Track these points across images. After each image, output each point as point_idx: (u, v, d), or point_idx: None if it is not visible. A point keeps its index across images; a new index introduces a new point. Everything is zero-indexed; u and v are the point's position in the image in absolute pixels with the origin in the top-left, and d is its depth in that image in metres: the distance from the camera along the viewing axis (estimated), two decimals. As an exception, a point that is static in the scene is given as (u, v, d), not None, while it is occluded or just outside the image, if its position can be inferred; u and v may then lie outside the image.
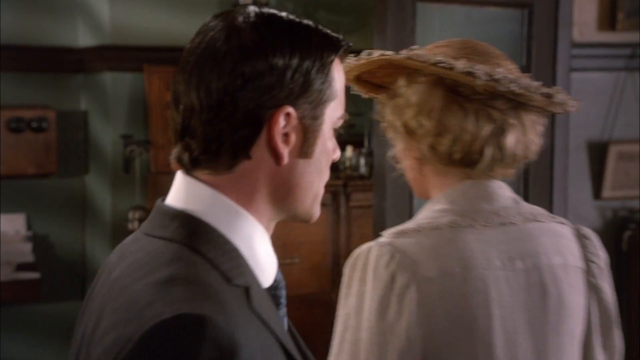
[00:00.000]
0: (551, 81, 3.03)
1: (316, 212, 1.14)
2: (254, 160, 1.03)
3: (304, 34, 1.05)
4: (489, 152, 1.43)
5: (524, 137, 1.46)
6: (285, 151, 1.03)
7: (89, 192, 3.97)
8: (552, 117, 3.10)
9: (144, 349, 0.88)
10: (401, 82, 1.50)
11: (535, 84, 1.47)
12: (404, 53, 1.50)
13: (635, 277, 3.84)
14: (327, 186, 3.67)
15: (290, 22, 1.06)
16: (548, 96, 1.48)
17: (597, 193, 3.88)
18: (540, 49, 2.98)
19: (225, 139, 1.01)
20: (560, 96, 1.50)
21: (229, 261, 1.00)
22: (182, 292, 0.92)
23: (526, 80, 1.46)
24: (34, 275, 3.70)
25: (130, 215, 3.71)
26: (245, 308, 0.97)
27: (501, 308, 1.40)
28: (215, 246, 1.00)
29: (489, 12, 2.85)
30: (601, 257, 1.53)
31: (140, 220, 3.67)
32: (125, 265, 1.01)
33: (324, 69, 1.05)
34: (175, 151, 1.05)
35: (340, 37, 1.09)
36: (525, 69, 2.93)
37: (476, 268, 1.40)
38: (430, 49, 1.52)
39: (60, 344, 3.91)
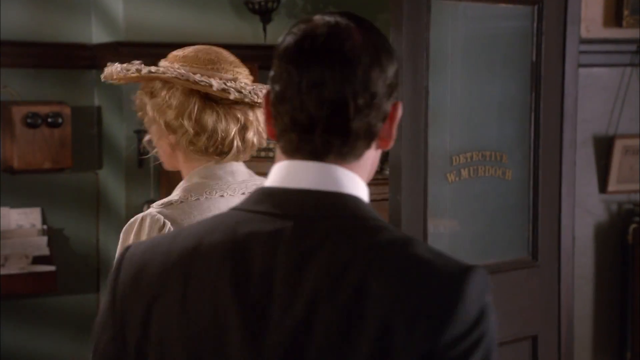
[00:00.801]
0: (560, 77, 3.09)
1: None
2: (372, 149, 1.15)
3: None
4: (236, 144, 1.79)
5: (258, 129, 1.82)
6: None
7: (102, 187, 4.03)
8: (561, 112, 3.15)
9: (473, 287, 1.04)
10: (158, 84, 1.79)
11: (260, 86, 1.82)
12: (159, 68, 1.80)
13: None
14: (340, 180, 3.63)
15: None
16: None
17: (602, 187, 3.94)
18: (549, 45, 3.03)
19: (368, 132, 1.11)
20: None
21: None
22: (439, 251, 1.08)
23: (251, 87, 1.80)
24: (49, 268, 3.77)
25: (144, 209, 3.76)
26: None
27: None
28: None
29: (500, 8, 2.91)
30: None
31: (155, 214, 3.72)
32: (336, 246, 1.06)
33: None
34: (303, 140, 1.11)
35: None
36: (535, 64, 2.99)
37: None
38: (172, 60, 1.83)
39: (75, 334, 3.97)
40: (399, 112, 1.14)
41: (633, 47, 3.88)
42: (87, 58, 3.95)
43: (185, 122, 1.80)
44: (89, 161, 4.01)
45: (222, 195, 1.81)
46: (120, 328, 1.12)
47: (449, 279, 1.04)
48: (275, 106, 1.13)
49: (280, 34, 4.49)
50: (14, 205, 3.86)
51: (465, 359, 1.04)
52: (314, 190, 1.10)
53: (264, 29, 3.95)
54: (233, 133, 1.79)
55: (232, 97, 1.76)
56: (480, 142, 2.91)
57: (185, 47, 1.92)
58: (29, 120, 3.71)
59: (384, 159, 3.76)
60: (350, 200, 1.10)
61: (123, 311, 1.12)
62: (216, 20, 3.99)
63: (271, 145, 3.56)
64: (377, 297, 1.03)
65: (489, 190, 2.96)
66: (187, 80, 1.77)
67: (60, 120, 3.76)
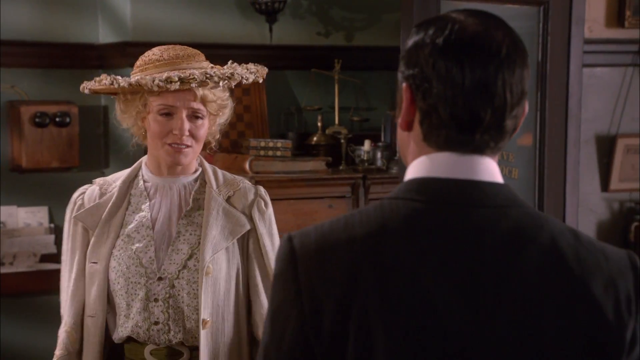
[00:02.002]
0: (565, 76, 3.13)
1: None
2: None
3: None
4: None
5: None
6: None
7: (109, 186, 4.06)
8: (565, 112, 3.20)
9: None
10: (224, 91, 2.07)
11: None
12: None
13: (642, 267, 3.95)
14: (346, 178, 3.72)
15: None
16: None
17: (604, 185, 3.98)
18: (554, 46, 3.07)
19: (514, 128, 1.18)
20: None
21: None
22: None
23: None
24: (57, 266, 3.78)
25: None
26: None
27: None
28: None
29: (507, 8, 2.95)
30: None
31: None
32: (530, 233, 1.14)
33: None
34: (461, 136, 1.15)
35: None
36: (541, 64, 3.03)
37: None
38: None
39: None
40: (527, 107, 1.19)
41: (635, 48, 3.92)
42: (95, 58, 3.97)
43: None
44: (95, 160, 4.04)
45: None
46: (310, 317, 1.12)
47: (630, 263, 1.16)
48: (427, 101, 1.15)
49: (286, 34, 4.54)
50: (22, 204, 3.89)
51: None
52: (480, 181, 1.15)
53: (270, 30, 3.98)
54: None
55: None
56: (487, 141, 2.95)
57: (147, 55, 2.13)
58: (37, 120, 3.74)
59: (391, 157, 3.81)
60: (510, 190, 1.17)
61: (312, 300, 1.12)
62: (223, 20, 4.02)
63: (279, 145, 3.59)
64: (581, 281, 1.12)
65: (496, 188, 3.00)
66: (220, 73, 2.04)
67: (68, 119, 3.79)
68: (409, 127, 1.19)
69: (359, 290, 1.10)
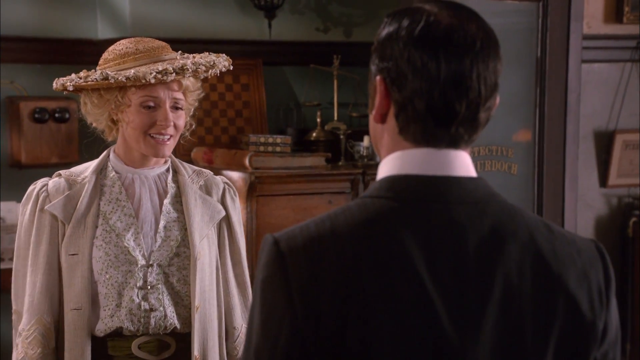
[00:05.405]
0: (564, 72, 3.14)
1: None
2: None
3: None
4: None
5: None
6: None
7: (108, 181, 4.06)
8: (564, 107, 3.21)
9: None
10: (198, 81, 2.07)
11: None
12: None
13: (640, 261, 3.96)
14: (346, 174, 3.73)
15: None
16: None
17: (603, 181, 4.00)
18: (553, 41, 3.08)
19: (486, 121, 1.17)
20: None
21: None
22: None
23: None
24: (56, 262, 3.80)
25: (151, 203, 3.80)
26: None
27: None
28: None
29: (507, 4, 2.96)
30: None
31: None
32: (510, 229, 1.15)
33: None
34: (437, 129, 1.15)
35: None
36: (540, 60, 3.04)
37: None
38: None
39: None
40: (498, 99, 1.18)
41: (633, 43, 3.93)
42: (93, 54, 3.96)
43: None
44: (95, 156, 4.02)
45: None
46: (304, 320, 1.11)
47: (598, 254, 1.18)
48: (402, 94, 1.15)
49: (285, 30, 4.54)
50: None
51: (619, 328, 1.18)
52: (458, 177, 1.15)
53: (269, 25, 3.99)
54: None
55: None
56: (487, 137, 2.96)
57: (118, 49, 2.10)
58: (36, 116, 3.74)
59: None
60: (486, 183, 1.17)
61: (305, 303, 1.11)
62: (221, 15, 4.02)
63: (278, 140, 3.59)
64: (558, 275, 1.14)
65: (496, 184, 3.00)
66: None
67: (67, 115, 3.79)
68: (383, 119, 1.18)
69: (354, 290, 1.10)
